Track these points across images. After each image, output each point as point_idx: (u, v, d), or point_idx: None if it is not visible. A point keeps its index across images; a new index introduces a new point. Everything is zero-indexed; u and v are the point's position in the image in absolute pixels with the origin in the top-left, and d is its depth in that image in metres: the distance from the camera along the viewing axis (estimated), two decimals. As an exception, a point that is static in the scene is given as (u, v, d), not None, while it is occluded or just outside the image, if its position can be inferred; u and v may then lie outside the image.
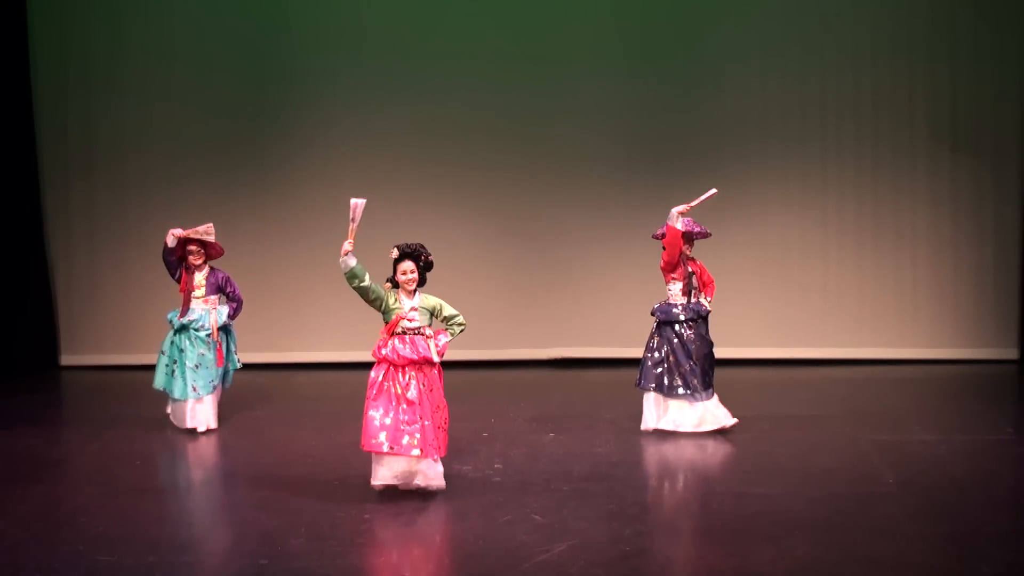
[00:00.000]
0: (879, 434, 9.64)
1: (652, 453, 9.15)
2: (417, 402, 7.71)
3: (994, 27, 12.94)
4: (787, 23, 13.07)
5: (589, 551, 6.79)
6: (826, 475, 8.47)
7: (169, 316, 10.01)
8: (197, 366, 9.85)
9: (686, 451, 9.23)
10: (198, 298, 9.92)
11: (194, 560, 6.82)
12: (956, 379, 12.42)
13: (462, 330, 8.00)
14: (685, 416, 9.68)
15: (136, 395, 11.52)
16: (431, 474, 7.85)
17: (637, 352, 13.50)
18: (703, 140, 13.13)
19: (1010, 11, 12.92)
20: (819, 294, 13.17)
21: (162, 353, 9.99)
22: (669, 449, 9.28)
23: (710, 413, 9.67)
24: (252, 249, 13.02)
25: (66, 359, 13.44)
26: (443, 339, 7.87)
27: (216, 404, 10.04)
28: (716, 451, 9.20)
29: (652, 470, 8.59)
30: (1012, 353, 13.13)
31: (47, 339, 13.38)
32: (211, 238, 9.88)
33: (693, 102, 13.12)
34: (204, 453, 9.38)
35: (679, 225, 9.48)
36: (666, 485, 8.22)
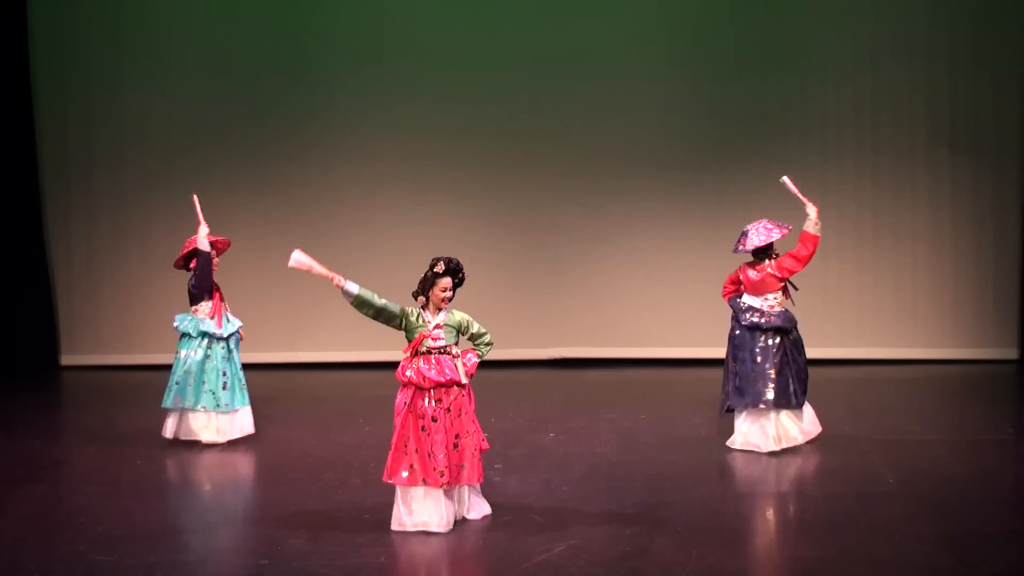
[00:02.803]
0: (879, 434, 9.64)
1: (652, 453, 9.14)
2: (444, 428, 7.12)
3: (993, 27, 12.92)
4: (786, 24, 13.05)
5: (589, 551, 6.79)
6: (826, 475, 8.47)
7: (191, 324, 9.54)
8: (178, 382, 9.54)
9: (686, 452, 9.23)
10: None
11: (194, 560, 6.82)
12: (956, 379, 12.41)
13: (489, 349, 7.41)
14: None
15: (136, 395, 11.51)
16: (472, 504, 7.40)
17: (636, 352, 13.58)
18: (703, 140, 13.11)
19: (1010, 11, 12.90)
20: (819, 294, 13.14)
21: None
22: (669, 449, 9.28)
23: (746, 432, 9.16)
24: (252, 248, 13.00)
25: (66, 359, 13.43)
26: (472, 359, 7.29)
27: (184, 421, 9.52)
28: (716, 451, 9.19)
29: (652, 470, 8.58)
30: (1012, 353, 13.12)
31: (47, 339, 13.36)
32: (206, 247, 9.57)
33: (693, 102, 13.10)
34: (204, 453, 9.37)
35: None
36: (666, 485, 8.21)
